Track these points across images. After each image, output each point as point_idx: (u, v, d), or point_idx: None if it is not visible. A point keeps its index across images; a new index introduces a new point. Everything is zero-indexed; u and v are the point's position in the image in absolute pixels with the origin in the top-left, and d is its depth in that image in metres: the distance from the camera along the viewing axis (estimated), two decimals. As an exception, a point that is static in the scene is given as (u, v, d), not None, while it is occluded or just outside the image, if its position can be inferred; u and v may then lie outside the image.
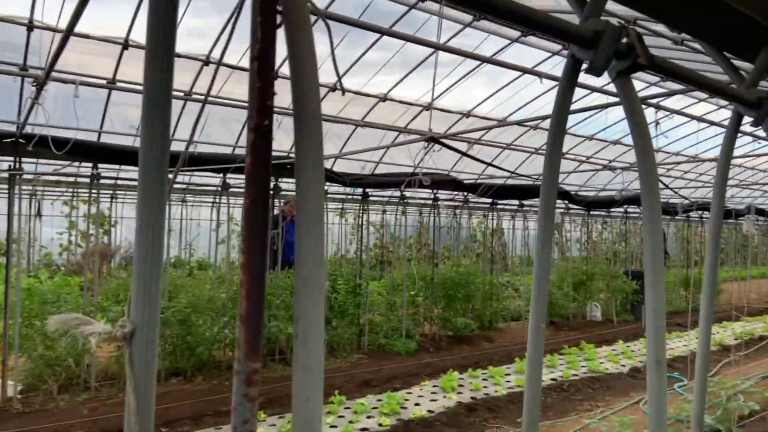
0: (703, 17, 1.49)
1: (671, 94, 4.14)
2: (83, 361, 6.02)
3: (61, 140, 5.17)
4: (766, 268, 20.85)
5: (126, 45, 5.39)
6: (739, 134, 6.82)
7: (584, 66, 1.04)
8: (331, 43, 0.99)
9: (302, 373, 0.65)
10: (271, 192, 7.33)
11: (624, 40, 1.07)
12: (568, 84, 1.08)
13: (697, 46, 4.53)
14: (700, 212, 14.18)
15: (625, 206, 12.01)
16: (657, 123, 4.02)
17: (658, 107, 4.20)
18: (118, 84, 5.78)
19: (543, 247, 1.08)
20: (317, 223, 0.65)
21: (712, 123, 7.30)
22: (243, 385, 0.61)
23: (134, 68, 5.55)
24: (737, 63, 1.78)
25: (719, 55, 1.62)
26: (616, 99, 5.82)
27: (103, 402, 5.70)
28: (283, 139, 7.69)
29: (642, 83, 7.08)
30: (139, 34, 5.19)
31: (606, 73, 1.05)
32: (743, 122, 1.63)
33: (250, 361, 0.61)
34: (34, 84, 4.17)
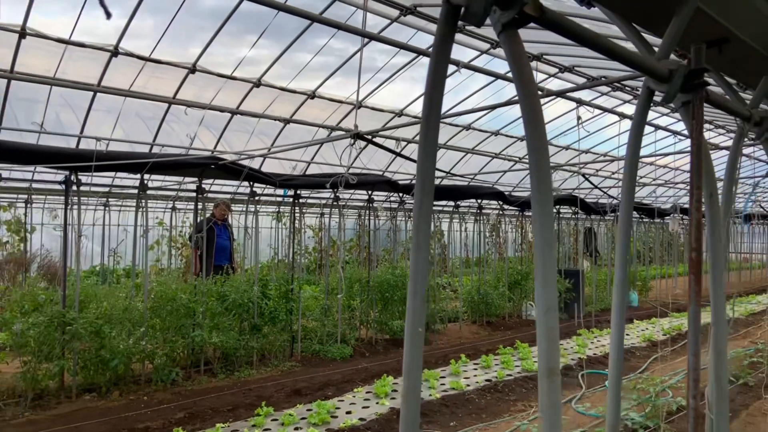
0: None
1: (581, 88, 4.12)
2: (-17, 378, 5.48)
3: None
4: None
5: (24, 33, 4.92)
6: (667, 133, 6.97)
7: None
8: None
9: None
10: (195, 194, 6.92)
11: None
12: (444, 36, 0.90)
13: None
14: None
15: (558, 206, 12.26)
16: (579, 118, 4.00)
17: (580, 102, 4.18)
18: (17, 75, 5.28)
19: (419, 247, 0.89)
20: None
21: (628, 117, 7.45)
22: None
23: (30, 58, 5.07)
24: (650, 39, 1.66)
25: (629, 27, 1.48)
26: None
27: (6, 422, 5.20)
28: (207, 137, 7.31)
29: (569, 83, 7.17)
30: (37, 23, 4.74)
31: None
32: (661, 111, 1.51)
33: None
34: None
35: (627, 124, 9.01)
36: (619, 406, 1.36)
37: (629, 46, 1.50)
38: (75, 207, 6.03)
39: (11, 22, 4.95)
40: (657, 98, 1.43)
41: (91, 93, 5.76)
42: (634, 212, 14.68)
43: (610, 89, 7.82)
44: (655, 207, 13.35)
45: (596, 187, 8.10)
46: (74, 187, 5.86)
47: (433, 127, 0.89)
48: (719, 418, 1.28)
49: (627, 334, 9.75)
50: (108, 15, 0.89)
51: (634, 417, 5.17)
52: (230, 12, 5.23)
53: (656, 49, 1.43)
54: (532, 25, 0.91)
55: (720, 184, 1.60)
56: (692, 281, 1.29)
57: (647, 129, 6.87)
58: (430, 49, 5.40)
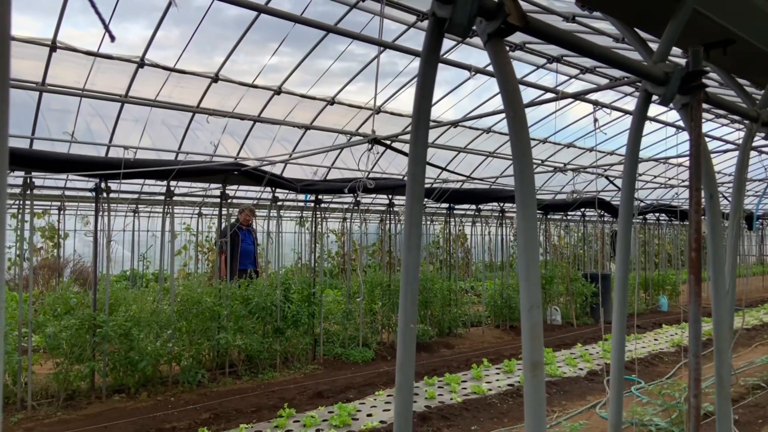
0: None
1: (594, 90, 4.10)
2: (20, 378, 5.67)
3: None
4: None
5: (54, 47, 5.11)
6: (678, 130, 6.86)
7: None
8: None
9: None
10: (219, 200, 7.07)
11: (495, -1, 0.94)
12: (431, 48, 0.94)
13: (600, 26, 4.48)
14: (656, 214, 14.42)
15: (583, 209, 12.11)
16: (596, 120, 3.97)
17: (597, 104, 4.16)
18: (49, 87, 5.49)
19: (409, 248, 0.93)
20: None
21: (655, 119, 7.36)
22: None
23: (60, 70, 5.27)
24: (650, 43, 1.67)
25: (629, 31, 1.50)
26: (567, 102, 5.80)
27: (39, 421, 5.37)
28: (230, 144, 7.47)
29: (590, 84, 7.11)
30: (67, 35, 4.93)
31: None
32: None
33: None
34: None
35: (652, 125, 8.88)
36: (621, 407, 1.37)
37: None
38: (105, 213, 6.22)
39: (42, 36, 5.15)
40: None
41: (119, 103, 5.94)
42: (663, 215, 14.39)
43: (633, 89, 7.72)
44: (686, 209, 13.05)
45: (620, 189, 7.99)
46: (104, 194, 6.05)
47: (422, 137, 0.93)
48: (721, 418, 1.29)
49: (656, 339, 9.57)
50: (112, 38, 0.95)
51: (659, 423, 5.09)
52: (250, 23, 5.35)
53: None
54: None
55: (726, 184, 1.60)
56: (692, 282, 1.30)
57: (670, 131, 6.78)
58: (445, 55, 5.43)
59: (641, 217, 13.49)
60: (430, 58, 0.94)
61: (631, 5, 1.38)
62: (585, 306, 11.38)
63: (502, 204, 10.33)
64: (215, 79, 6.24)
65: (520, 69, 6.77)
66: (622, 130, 10.08)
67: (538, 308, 0.87)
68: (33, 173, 5.79)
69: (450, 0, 0.87)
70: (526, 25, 0.94)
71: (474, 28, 0.93)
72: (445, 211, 9.92)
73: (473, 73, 4.58)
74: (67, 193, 9.12)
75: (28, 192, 5.76)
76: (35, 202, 10.85)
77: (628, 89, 7.85)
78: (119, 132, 6.81)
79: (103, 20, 0.99)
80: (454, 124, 6.83)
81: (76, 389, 6.00)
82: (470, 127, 8.67)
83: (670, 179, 12.30)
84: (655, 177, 12.45)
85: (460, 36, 0.91)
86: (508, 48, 5.98)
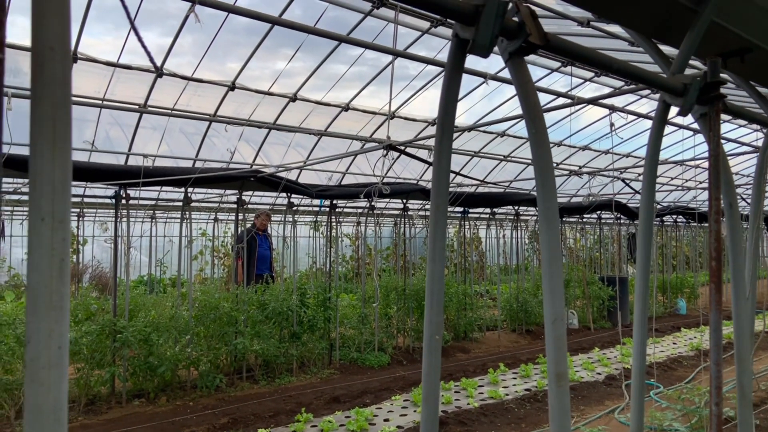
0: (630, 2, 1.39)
1: (610, 95, 4.08)
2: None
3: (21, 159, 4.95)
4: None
5: (75, 58, 5.22)
6: (695, 133, 6.79)
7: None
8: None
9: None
10: (236, 206, 7.15)
11: (515, 18, 0.96)
12: (454, 67, 0.97)
13: (613, 29, 4.46)
14: (674, 216, 14.28)
15: (599, 212, 12.03)
16: (612, 125, 3.95)
17: (612, 108, 4.15)
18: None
19: (434, 260, 0.96)
20: None
21: (672, 123, 7.29)
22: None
23: (81, 80, 5.38)
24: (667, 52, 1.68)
25: (648, 43, 1.52)
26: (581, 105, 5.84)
27: (60, 427, 5.46)
28: (247, 151, 7.55)
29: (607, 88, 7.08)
30: (86, 47, 5.03)
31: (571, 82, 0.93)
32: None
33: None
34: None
35: (669, 128, 8.79)
36: (642, 412, 1.38)
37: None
38: (124, 220, 6.33)
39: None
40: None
41: (138, 113, 6.06)
42: (681, 217, 14.24)
43: (649, 92, 7.67)
44: (703, 211, 12.91)
45: (637, 192, 7.94)
46: (123, 201, 6.16)
47: (446, 150, 0.95)
48: (743, 425, 1.29)
49: (674, 343, 9.46)
50: (152, 61, 0.99)
51: (678, 428, 5.05)
52: (264, 34, 5.41)
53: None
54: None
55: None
56: (713, 290, 1.31)
57: (686, 133, 6.72)
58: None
59: (659, 219, 13.35)
60: (454, 76, 0.97)
61: (650, 18, 1.40)
62: (602, 309, 11.29)
63: (516, 207, 10.29)
64: (232, 87, 6.33)
65: (533, 72, 6.78)
66: (638, 132, 10.02)
67: (562, 320, 0.89)
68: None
69: (473, 22, 0.90)
70: (547, 43, 0.96)
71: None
72: (459, 215, 9.92)
73: (487, 80, 4.60)
74: (86, 200, 9.28)
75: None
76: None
77: (645, 91, 7.80)
78: (138, 140, 6.92)
79: (138, 36, 1.03)
80: (469, 129, 6.85)
81: (97, 394, 6.09)
82: (484, 131, 8.67)
83: (687, 181, 12.18)
84: (672, 179, 12.33)
85: (482, 56, 0.94)
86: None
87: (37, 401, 0.50)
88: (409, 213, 8.77)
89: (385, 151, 4.38)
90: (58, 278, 0.53)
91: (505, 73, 6.56)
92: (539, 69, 6.96)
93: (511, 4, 0.95)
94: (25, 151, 5.35)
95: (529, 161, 10.39)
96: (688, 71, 1.45)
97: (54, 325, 0.51)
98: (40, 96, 0.54)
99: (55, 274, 0.53)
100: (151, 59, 1.03)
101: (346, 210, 11.50)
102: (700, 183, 11.91)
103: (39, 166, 0.53)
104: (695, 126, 8.90)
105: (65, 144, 0.56)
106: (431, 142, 7.05)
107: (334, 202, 7.79)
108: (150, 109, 6.10)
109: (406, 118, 7.67)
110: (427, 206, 9.97)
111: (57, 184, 0.54)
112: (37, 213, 0.52)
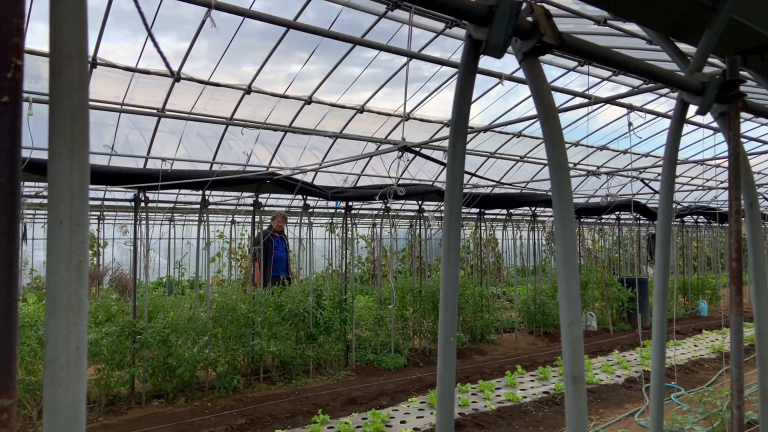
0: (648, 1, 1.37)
1: (628, 95, 4.04)
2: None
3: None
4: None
5: (95, 63, 5.32)
6: (715, 132, 6.68)
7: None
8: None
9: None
10: (252, 208, 7.21)
11: (529, 18, 0.96)
12: (467, 68, 0.96)
13: (630, 28, 4.41)
14: (695, 216, 14.05)
15: (617, 212, 11.89)
16: (630, 125, 3.90)
17: (630, 108, 4.10)
18: (91, 102, 5.69)
19: (449, 262, 0.96)
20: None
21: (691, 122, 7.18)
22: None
23: (101, 85, 5.47)
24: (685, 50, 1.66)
25: (665, 41, 1.50)
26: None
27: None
28: (263, 153, 7.60)
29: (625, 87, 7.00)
30: (105, 52, 5.11)
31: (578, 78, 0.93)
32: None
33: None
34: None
35: (688, 127, 8.66)
36: (662, 415, 1.36)
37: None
38: (143, 222, 6.41)
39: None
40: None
41: (156, 117, 6.15)
42: (702, 217, 14.01)
43: (669, 90, 7.56)
44: (724, 211, 12.69)
45: (656, 192, 7.83)
46: (142, 204, 6.24)
47: (460, 153, 0.95)
48: (765, 429, 1.27)
49: (695, 345, 9.31)
50: (168, 68, 1.01)
51: (699, 431, 4.96)
52: (280, 38, 5.45)
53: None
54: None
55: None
56: (733, 291, 1.29)
57: (707, 132, 6.61)
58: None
59: (679, 219, 13.16)
60: (467, 77, 0.96)
61: (667, 16, 1.38)
62: (621, 311, 11.15)
63: (533, 208, 10.22)
64: (247, 90, 6.39)
65: (549, 72, 6.73)
66: (657, 131, 9.88)
67: (579, 322, 0.88)
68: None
69: (486, 23, 0.90)
70: (562, 43, 0.95)
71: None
72: (475, 216, 9.88)
73: (503, 81, 4.58)
74: (107, 203, 9.43)
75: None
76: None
77: (663, 90, 7.70)
78: (156, 144, 7.02)
79: (155, 43, 1.05)
80: (485, 129, 6.82)
81: (117, 395, 6.17)
82: (500, 132, 8.63)
83: (707, 181, 11.99)
84: (692, 179, 12.14)
85: (496, 56, 0.93)
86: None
87: (56, 401, 0.51)
88: (425, 214, 8.76)
89: (400, 153, 4.38)
90: (77, 280, 0.54)
91: (521, 74, 6.54)
92: (555, 69, 6.91)
93: (524, 4, 0.95)
94: (46, 156, 5.46)
95: (545, 162, 10.32)
96: (706, 69, 1.43)
97: (72, 326, 0.52)
98: (57, 102, 0.55)
99: (73, 276, 0.53)
100: (168, 65, 1.04)
101: (361, 212, 11.52)
102: (721, 183, 11.72)
103: (57, 170, 0.54)
104: (715, 125, 8.79)
105: (83, 149, 0.57)
106: (446, 143, 7.02)
107: (350, 203, 7.81)
108: (168, 113, 6.19)
109: (420, 120, 7.67)
110: (442, 207, 9.97)
111: (75, 187, 0.55)
112: (56, 216, 0.53)
